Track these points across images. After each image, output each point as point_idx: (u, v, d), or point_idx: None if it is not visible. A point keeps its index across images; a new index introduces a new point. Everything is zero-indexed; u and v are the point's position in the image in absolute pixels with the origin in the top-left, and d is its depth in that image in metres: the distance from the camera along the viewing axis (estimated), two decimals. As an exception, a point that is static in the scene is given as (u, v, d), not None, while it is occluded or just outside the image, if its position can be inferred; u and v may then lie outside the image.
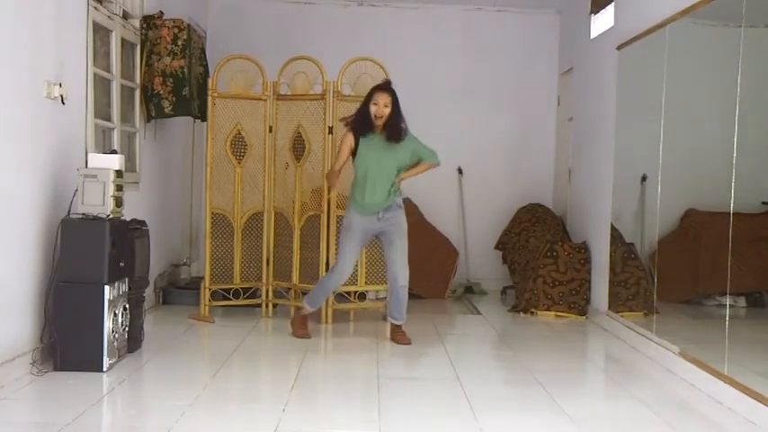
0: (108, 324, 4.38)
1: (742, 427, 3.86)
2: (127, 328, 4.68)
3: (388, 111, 5.39)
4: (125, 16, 5.74)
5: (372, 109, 5.39)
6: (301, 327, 5.58)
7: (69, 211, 4.49)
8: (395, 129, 5.41)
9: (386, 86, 5.50)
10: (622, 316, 5.98)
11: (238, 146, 6.18)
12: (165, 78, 6.01)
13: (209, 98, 6.08)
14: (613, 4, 6.52)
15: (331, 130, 6.09)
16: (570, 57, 7.91)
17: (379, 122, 5.40)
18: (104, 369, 4.35)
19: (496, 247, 7.96)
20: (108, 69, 5.49)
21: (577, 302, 6.72)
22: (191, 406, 3.85)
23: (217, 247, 6.16)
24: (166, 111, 6.08)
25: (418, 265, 7.46)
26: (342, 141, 5.54)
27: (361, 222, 5.46)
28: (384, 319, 6.26)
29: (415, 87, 7.74)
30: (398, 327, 5.56)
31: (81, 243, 4.37)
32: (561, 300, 6.74)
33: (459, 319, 6.86)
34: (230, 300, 6.25)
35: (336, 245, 5.88)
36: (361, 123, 5.45)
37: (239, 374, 4.68)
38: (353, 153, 5.46)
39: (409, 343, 5.48)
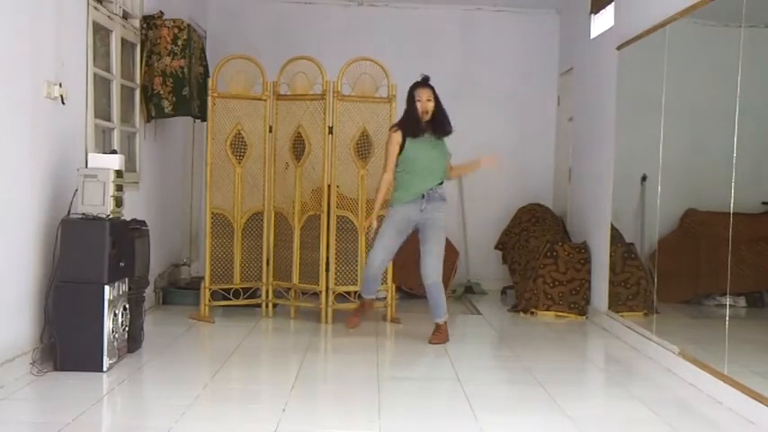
0: (108, 324, 4.38)
1: (742, 427, 3.86)
2: (127, 328, 4.68)
3: (431, 105, 5.47)
4: (125, 16, 5.74)
5: (418, 106, 5.46)
6: (354, 315, 5.77)
7: (69, 211, 4.49)
8: (442, 123, 5.48)
9: (425, 82, 5.55)
10: (622, 316, 5.98)
11: (238, 146, 6.18)
12: (165, 78, 6.01)
13: (209, 98, 6.08)
14: (613, 4, 6.52)
15: (331, 130, 6.09)
16: (570, 57, 7.91)
17: (426, 117, 5.45)
18: (104, 369, 4.35)
19: (496, 247, 7.96)
20: (108, 69, 5.49)
21: (577, 302, 6.72)
22: (191, 406, 3.85)
23: (217, 247, 6.16)
24: (166, 111, 6.08)
25: (418, 265, 7.49)
26: (389, 143, 5.53)
27: (404, 210, 5.47)
28: (388, 319, 6.26)
29: (415, 87, 7.74)
30: (437, 325, 5.56)
31: (81, 243, 4.37)
32: (561, 300, 6.74)
33: (460, 319, 6.85)
34: (230, 300, 6.24)
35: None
36: (407, 123, 5.49)
37: (239, 374, 4.68)
38: (399, 152, 5.49)
39: (443, 342, 5.48)
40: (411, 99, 5.50)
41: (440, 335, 5.54)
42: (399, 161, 5.49)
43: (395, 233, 5.52)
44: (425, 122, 5.47)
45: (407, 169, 5.47)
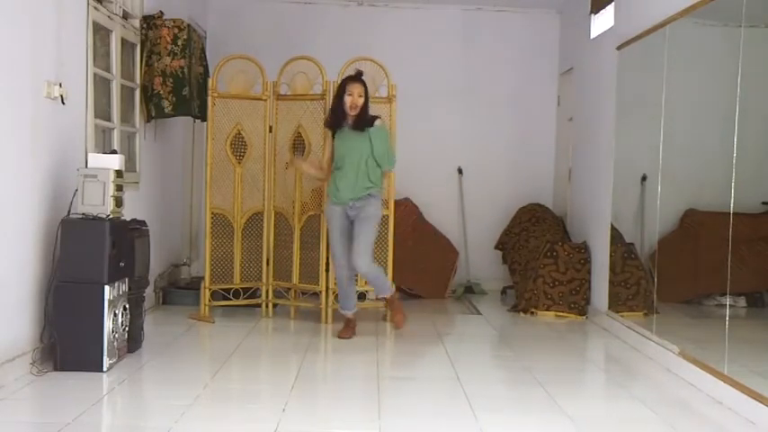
0: (108, 324, 4.38)
1: (742, 427, 3.86)
2: (127, 328, 4.68)
3: (362, 101, 5.50)
4: (125, 16, 5.74)
5: (347, 100, 5.49)
6: (344, 329, 5.68)
7: (69, 211, 4.49)
8: (362, 117, 5.51)
9: (358, 77, 5.58)
10: (622, 316, 5.98)
11: (238, 146, 6.19)
12: (165, 78, 6.01)
13: (209, 98, 6.08)
14: (613, 4, 6.52)
15: (331, 130, 6.09)
16: (570, 57, 7.91)
17: (353, 113, 5.49)
18: (104, 369, 4.35)
19: (496, 247, 7.96)
20: (108, 69, 5.49)
21: (577, 302, 6.72)
22: (191, 406, 3.85)
23: (217, 247, 6.16)
24: (166, 111, 6.08)
25: (418, 264, 7.51)
26: (326, 141, 5.75)
27: (337, 210, 5.58)
28: (388, 319, 6.26)
29: (415, 87, 7.75)
30: (387, 300, 5.72)
31: (81, 243, 4.37)
32: (561, 300, 6.74)
33: (459, 319, 6.86)
34: (230, 300, 6.25)
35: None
36: (334, 116, 5.59)
37: (239, 374, 4.68)
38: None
39: (398, 326, 5.73)
40: (341, 92, 5.54)
41: (396, 312, 5.68)
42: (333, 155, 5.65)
43: (340, 233, 5.59)
44: (350, 116, 5.52)
45: (335, 169, 5.58)
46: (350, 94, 5.49)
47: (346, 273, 5.64)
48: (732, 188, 4.35)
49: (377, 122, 5.54)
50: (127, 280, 4.70)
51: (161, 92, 6.02)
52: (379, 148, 5.50)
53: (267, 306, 6.33)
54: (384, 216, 6.21)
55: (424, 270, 7.57)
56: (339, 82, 5.71)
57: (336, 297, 6.13)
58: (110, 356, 4.40)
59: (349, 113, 5.50)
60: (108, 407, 3.90)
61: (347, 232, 5.60)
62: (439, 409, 4.05)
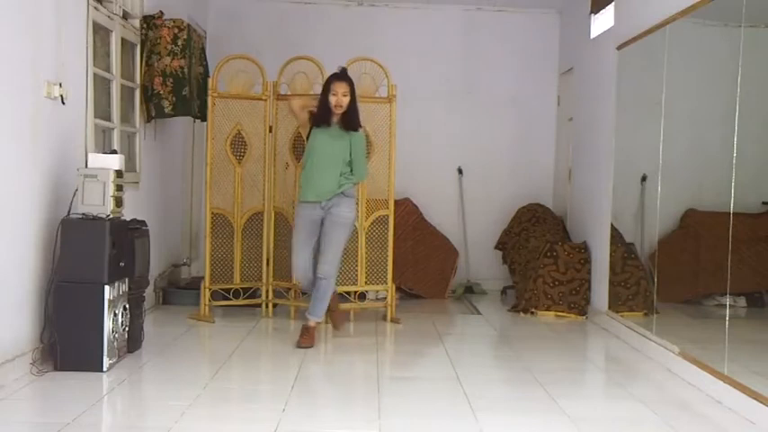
0: (108, 324, 4.38)
1: (742, 427, 3.86)
2: (127, 328, 4.69)
3: (347, 100, 5.35)
4: (125, 16, 5.74)
5: (332, 100, 5.34)
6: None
7: (69, 211, 4.49)
8: (350, 117, 5.39)
9: (343, 75, 5.43)
10: (622, 316, 5.98)
11: (238, 146, 6.19)
12: (164, 78, 6.01)
13: (209, 98, 6.09)
14: (613, 4, 6.52)
15: (331, 130, 6.08)
16: (570, 57, 7.91)
17: (339, 111, 5.36)
18: (104, 369, 4.35)
19: (496, 247, 7.96)
20: (108, 69, 5.49)
21: (577, 302, 6.72)
22: (191, 406, 3.85)
23: (217, 247, 6.16)
24: (166, 111, 6.08)
25: (418, 264, 7.52)
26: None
27: (306, 212, 5.41)
28: (388, 319, 6.26)
29: (415, 87, 7.76)
30: (306, 328, 5.34)
31: (81, 243, 4.37)
32: (561, 300, 6.74)
33: (460, 319, 6.86)
34: (230, 300, 6.25)
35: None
36: (319, 115, 5.41)
37: (239, 374, 4.68)
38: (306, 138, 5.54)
39: (309, 346, 5.24)
40: (326, 90, 5.39)
41: (305, 337, 5.27)
42: (304, 154, 5.51)
43: (305, 236, 5.41)
44: (335, 116, 5.38)
45: (308, 160, 5.42)
46: (334, 94, 5.33)
47: (298, 276, 5.51)
48: (732, 188, 4.35)
49: (360, 131, 5.47)
50: (127, 280, 4.70)
51: (161, 92, 6.02)
52: (357, 157, 5.41)
53: (267, 306, 6.33)
54: (384, 216, 6.24)
55: (425, 270, 7.58)
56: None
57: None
58: (110, 356, 4.40)
59: (334, 112, 5.40)
60: (108, 407, 3.90)
61: (314, 233, 5.41)
62: (439, 409, 4.05)
